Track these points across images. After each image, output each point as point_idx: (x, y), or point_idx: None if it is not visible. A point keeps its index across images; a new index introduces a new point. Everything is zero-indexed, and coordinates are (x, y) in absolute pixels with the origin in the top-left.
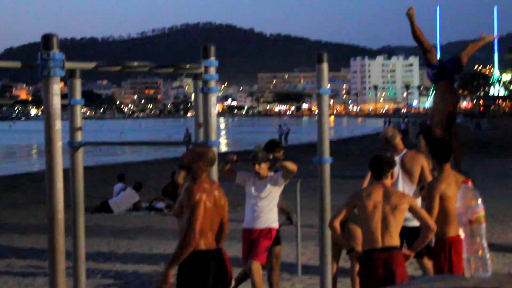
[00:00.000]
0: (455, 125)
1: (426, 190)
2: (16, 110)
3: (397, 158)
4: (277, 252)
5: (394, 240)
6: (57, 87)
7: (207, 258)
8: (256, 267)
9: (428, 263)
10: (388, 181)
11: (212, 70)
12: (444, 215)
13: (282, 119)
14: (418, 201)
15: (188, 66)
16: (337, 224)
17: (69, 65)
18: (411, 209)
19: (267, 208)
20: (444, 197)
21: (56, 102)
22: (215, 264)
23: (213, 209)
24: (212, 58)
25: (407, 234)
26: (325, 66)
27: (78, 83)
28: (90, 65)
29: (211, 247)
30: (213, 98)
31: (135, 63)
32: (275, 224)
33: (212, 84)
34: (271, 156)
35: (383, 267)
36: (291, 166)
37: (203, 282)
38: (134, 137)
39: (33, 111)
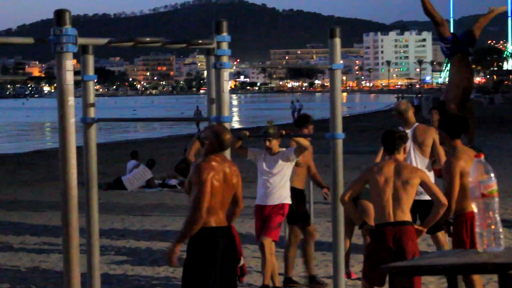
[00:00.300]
0: (470, 100)
1: (445, 168)
2: (29, 87)
3: (409, 132)
4: (311, 229)
5: (406, 215)
6: (70, 63)
7: (216, 235)
8: (268, 243)
9: (442, 239)
10: (400, 156)
11: (225, 46)
12: (463, 191)
13: (295, 96)
14: (431, 175)
15: (200, 41)
16: (348, 198)
17: (81, 41)
18: (422, 184)
19: (279, 184)
20: (463, 173)
21: (69, 78)
22: (224, 241)
23: (224, 187)
24: (225, 34)
25: (420, 207)
26: (337, 41)
27: (91, 59)
28: (103, 40)
29: (221, 224)
30: (225, 74)
31: (148, 39)
32: (287, 200)
33: (225, 59)
34: (283, 132)
35: (393, 242)
36: (304, 142)
37: (212, 259)
38: (147, 114)
39: (46, 88)
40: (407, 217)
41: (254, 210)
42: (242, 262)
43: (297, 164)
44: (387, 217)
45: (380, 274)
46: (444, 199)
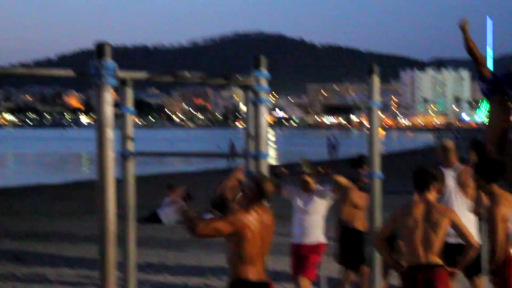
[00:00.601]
0: (509, 143)
1: (487, 216)
2: (67, 117)
3: (449, 172)
4: (365, 270)
5: (437, 257)
6: (109, 96)
7: (254, 286)
8: (305, 283)
9: (481, 284)
10: (431, 195)
11: (263, 82)
12: (505, 236)
13: (331, 132)
14: (471, 217)
15: (239, 77)
16: (379, 242)
17: (121, 74)
18: (453, 226)
19: (315, 223)
20: (504, 219)
21: (108, 111)
22: None
23: (262, 238)
24: (263, 70)
25: (449, 250)
26: (376, 78)
27: (129, 92)
28: (142, 74)
29: (260, 278)
30: (263, 110)
31: (187, 74)
32: (323, 239)
33: (263, 95)
34: (320, 169)
35: (425, 285)
36: (342, 181)
37: None
38: (184, 147)
39: (84, 119)
40: (439, 259)
41: (290, 249)
42: None
43: (356, 207)
44: (418, 260)
45: None
46: (475, 242)
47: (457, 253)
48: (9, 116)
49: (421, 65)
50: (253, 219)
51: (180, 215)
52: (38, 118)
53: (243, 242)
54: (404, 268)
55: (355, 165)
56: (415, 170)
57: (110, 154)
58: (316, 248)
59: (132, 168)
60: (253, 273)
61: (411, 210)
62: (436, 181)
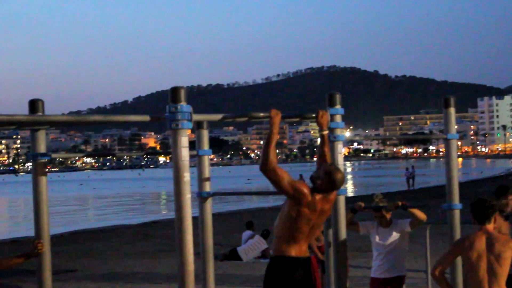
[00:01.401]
0: None
1: None
2: (145, 157)
3: None
4: None
5: None
6: (185, 139)
7: (294, 265)
8: None
9: None
10: (491, 226)
11: (338, 118)
12: None
13: (409, 162)
14: None
15: (314, 115)
16: (438, 272)
17: (196, 117)
18: None
19: (393, 257)
20: None
21: (185, 154)
22: (302, 272)
23: (316, 221)
24: (338, 106)
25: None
26: (452, 110)
27: (205, 134)
28: (217, 117)
29: (300, 255)
30: (339, 146)
31: (261, 114)
32: (403, 272)
33: (338, 132)
34: (399, 203)
35: None
36: (420, 215)
37: (289, 283)
38: (261, 183)
39: (162, 159)
40: None
41: (370, 283)
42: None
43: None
44: None
45: None
46: None
47: None
48: (88, 159)
49: (498, 92)
50: (314, 201)
51: (266, 141)
52: (116, 159)
53: (295, 216)
54: None
55: (499, 195)
56: (473, 201)
57: (187, 196)
58: (396, 282)
59: (210, 208)
60: (295, 250)
61: (472, 242)
62: (495, 211)
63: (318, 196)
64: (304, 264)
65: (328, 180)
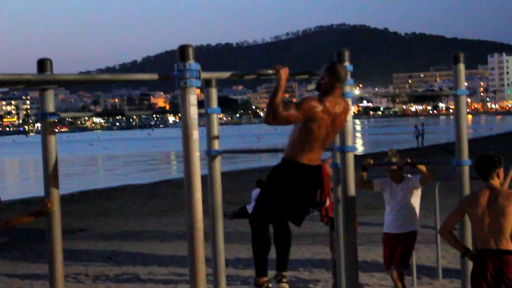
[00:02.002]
0: None
1: None
2: (154, 117)
3: None
4: None
5: (506, 243)
6: (194, 97)
7: (302, 170)
8: (398, 272)
9: None
10: (495, 182)
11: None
12: None
13: (419, 120)
14: None
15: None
16: (446, 230)
17: (205, 75)
18: None
19: (405, 212)
20: None
21: (193, 112)
22: (309, 177)
23: (330, 127)
24: (347, 63)
25: None
26: (461, 66)
27: (214, 92)
28: (226, 74)
29: (312, 163)
30: (348, 103)
31: (270, 71)
32: (416, 228)
33: (348, 89)
34: (408, 160)
35: (494, 270)
36: (428, 172)
37: (293, 188)
38: (271, 141)
39: (171, 118)
40: (509, 245)
41: (382, 238)
42: (327, 203)
43: None
44: (488, 245)
45: None
46: None
47: None
48: (97, 119)
49: (509, 49)
50: (326, 105)
51: (273, 92)
52: (125, 119)
53: (309, 130)
54: (475, 253)
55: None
56: (477, 158)
57: (196, 155)
58: (409, 237)
59: (218, 166)
60: (308, 158)
61: (477, 198)
62: (497, 167)
63: (328, 101)
64: (314, 171)
65: (332, 72)
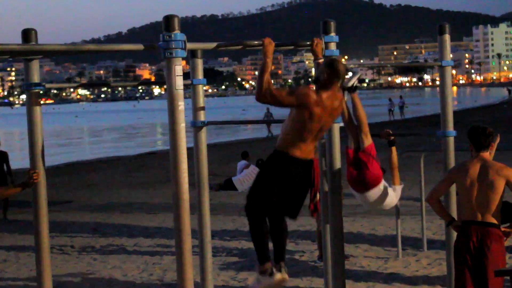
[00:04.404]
0: None
1: None
2: (140, 89)
3: None
4: None
5: (491, 216)
6: (179, 68)
7: (293, 164)
8: None
9: None
10: (487, 154)
11: (333, 46)
12: None
13: (404, 91)
14: None
15: (308, 42)
16: (434, 198)
17: (190, 45)
18: (508, 184)
19: None
20: None
21: (179, 83)
22: (300, 171)
23: (325, 119)
24: (333, 34)
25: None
26: (447, 37)
27: (199, 63)
28: (211, 45)
29: (303, 156)
30: (342, 93)
31: (255, 42)
32: None
33: None
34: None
35: (477, 241)
36: (394, 159)
37: (284, 180)
38: (257, 113)
39: (157, 90)
40: (493, 218)
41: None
42: (317, 198)
43: None
44: (473, 216)
45: (463, 272)
46: None
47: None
48: (82, 91)
49: (493, 20)
50: (321, 98)
51: (260, 70)
52: (111, 91)
53: (305, 116)
54: (459, 224)
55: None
56: (469, 128)
57: (182, 126)
58: None
59: (204, 138)
60: (300, 151)
61: (467, 169)
62: (489, 138)
63: (325, 94)
64: (305, 165)
65: (330, 69)
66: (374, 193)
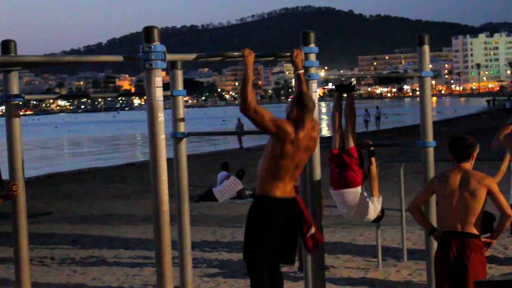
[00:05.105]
0: None
1: None
2: (119, 100)
3: None
4: None
5: (472, 226)
6: (159, 79)
7: (279, 204)
8: None
9: None
10: (468, 164)
11: (313, 57)
12: None
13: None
14: None
15: (288, 54)
16: (415, 207)
17: (170, 57)
18: (489, 194)
19: None
20: None
21: (159, 94)
22: (286, 212)
23: (301, 156)
24: (312, 45)
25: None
26: (426, 48)
27: (179, 74)
28: (191, 56)
29: (285, 195)
30: (314, 85)
31: (235, 53)
32: None
33: (313, 70)
34: (370, 149)
35: (457, 252)
36: (373, 169)
37: (271, 225)
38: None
39: (137, 101)
40: (474, 229)
41: None
42: (312, 231)
43: None
44: (453, 227)
45: (442, 283)
46: (509, 212)
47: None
48: (62, 102)
49: (473, 31)
50: (298, 138)
51: (242, 82)
52: (90, 102)
53: (279, 153)
54: (440, 234)
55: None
56: (451, 139)
57: (162, 137)
58: None
59: (184, 149)
60: (280, 190)
61: (448, 178)
62: (469, 149)
63: (301, 134)
64: (289, 204)
65: (300, 104)
66: (350, 194)
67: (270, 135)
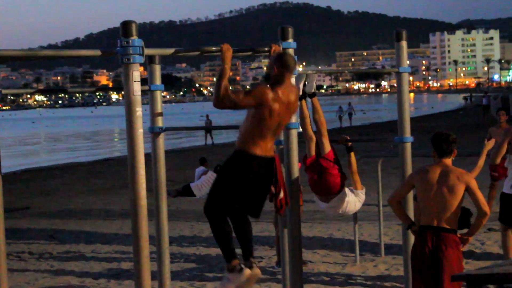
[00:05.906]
0: None
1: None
2: (97, 95)
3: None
4: None
5: (449, 222)
6: (137, 74)
7: (256, 163)
8: None
9: None
10: (448, 160)
11: (291, 52)
12: None
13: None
14: None
15: (266, 48)
16: (394, 201)
17: (148, 51)
18: (468, 190)
19: None
20: None
21: (137, 89)
22: (263, 170)
23: (284, 113)
24: (290, 40)
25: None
26: (404, 44)
27: (157, 69)
28: (169, 50)
29: (265, 154)
30: (292, 80)
31: (213, 48)
32: None
33: None
34: (348, 144)
35: (432, 246)
36: (353, 163)
37: (245, 180)
38: (215, 119)
39: (114, 96)
40: (451, 224)
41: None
42: (281, 195)
43: None
44: (429, 221)
45: (418, 278)
46: (486, 209)
47: None
48: (39, 97)
49: (450, 28)
50: (277, 93)
51: (218, 77)
52: (68, 97)
53: (261, 118)
54: (417, 229)
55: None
56: (433, 134)
57: (140, 131)
58: None
59: (162, 143)
60: (260, 148)
61: (427, 173)
62: (454, 146)
63: (280, 90)
64: (267, 163)
65: (280, 62)
66: (337, 198)
67: (255, 107)
